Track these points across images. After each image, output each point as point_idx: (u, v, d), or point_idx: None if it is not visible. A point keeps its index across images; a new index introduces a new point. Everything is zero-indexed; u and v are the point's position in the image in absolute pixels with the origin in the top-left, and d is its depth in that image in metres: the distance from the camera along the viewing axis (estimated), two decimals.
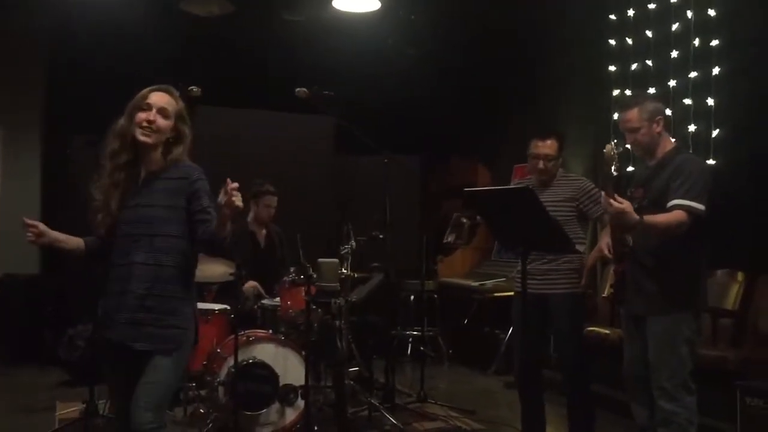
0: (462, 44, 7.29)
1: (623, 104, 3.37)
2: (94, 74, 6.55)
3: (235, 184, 2.42)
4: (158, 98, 2.71)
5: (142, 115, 2.67)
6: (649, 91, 5.41)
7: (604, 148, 3.04)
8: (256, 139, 6.52)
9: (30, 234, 2.57)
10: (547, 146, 3.84)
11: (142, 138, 2.67)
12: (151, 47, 6.46)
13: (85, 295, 5.16)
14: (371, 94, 7.07)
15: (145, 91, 2.74)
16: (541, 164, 3.85)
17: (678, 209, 3.06)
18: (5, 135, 7.00)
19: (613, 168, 3.01)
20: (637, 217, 3.00)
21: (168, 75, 4.74)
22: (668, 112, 5.21)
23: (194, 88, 4.62)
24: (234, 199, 2.41)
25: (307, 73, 5.43)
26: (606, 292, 3.35)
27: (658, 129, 3.28)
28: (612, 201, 2.97)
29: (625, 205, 2.98)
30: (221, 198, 2.44)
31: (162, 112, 2.69)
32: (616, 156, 3.03)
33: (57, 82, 6.90)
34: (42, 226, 2.59)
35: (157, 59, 6.34)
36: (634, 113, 3.26)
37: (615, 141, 3.18)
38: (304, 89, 4.63)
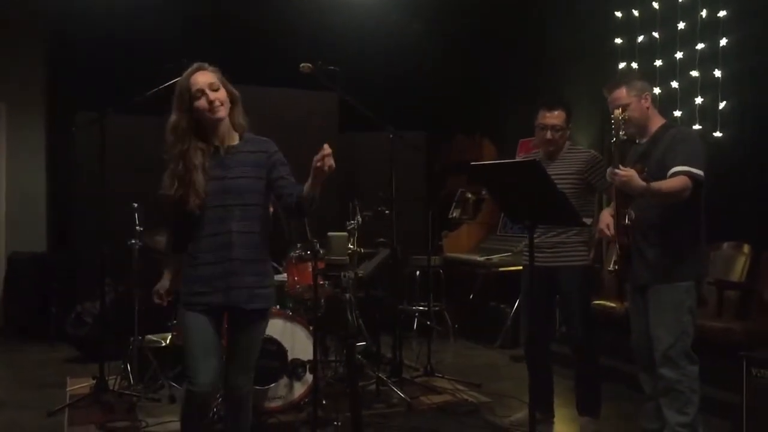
0: (467, 19, 7.24)
1: (611, 84, 3.40)
2: (97, 51, 6.54)
3: (329, 150, 2.56)
4: (202, 78, 2.80)
5: (202, 103, 2.78)
6: (655, 64, 5.39)
7: (612, 113, 3.15)
8: (260, 114, 6.43)
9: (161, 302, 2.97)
10: (554, 116, 3.83)
11: (216, 116, 2.79)
12: (155, 23, 6.43)
13: (92, 272, 5.20)
14: (375, 69, 7.04)
15: (183, 80, 2.82)
16: (548, 134, 3.83)
17: (679, 175, 3.10)
18: (9, 113, 7.00)
19: (621, 132, 3.13)
20: (643, 183, 3.05)
21: (172, 51, 4.75)
22: (675, 84, 5.21)
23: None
24: (327, 162, 2.56)
25: (312, 48, 5.41)
26: (612, 266, 3.36)
27: (647, 104, 3.33)
28: (617, 170, 3.04)
29: (630, 172, 3.04)
30: (316, 161, 2.58)
31: (212, 87, 2.80)
32: (623, 120, 3.15)
33: (60, 58, 6.88)
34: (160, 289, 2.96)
35: (161, 35, 6.32)
36: (622, 91, 3.32)
37: (622, 108, 3.24)
38: (309, 64, 4.60)
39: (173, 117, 2.83)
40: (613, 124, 3.20)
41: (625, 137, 3.21)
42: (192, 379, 2.85)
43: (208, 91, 2.78)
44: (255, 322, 2.89)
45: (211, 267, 2.79)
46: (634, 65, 5.59)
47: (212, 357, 2.84)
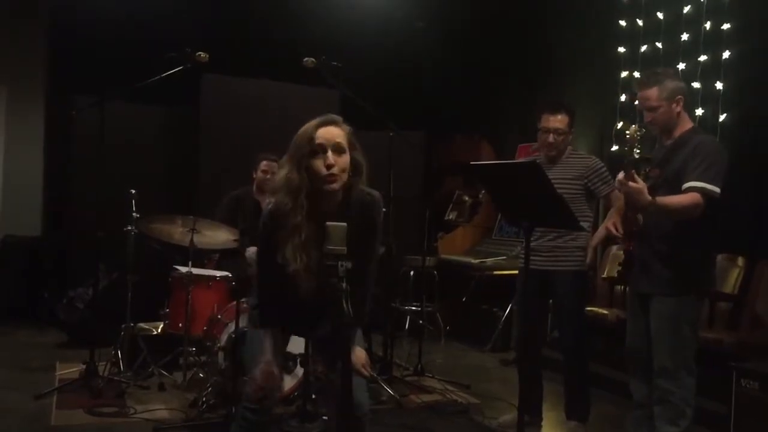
0: (469, 21, 7.25)
1: (643, 82, 3.29)
2: (98, 35, 6.52)
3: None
4: (328, 134, 2.41)
5: (319, 163, 2.38)
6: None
7: (628, 129, 3.02)
8: (261, 108, 6.48)
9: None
10: (557, 120, 3.83)
11: (330, 188, 2.39)
12: (159, 11, 6.42)
13: (86, 257, 5.19)
14: (377, 68, 7.04)
15: (309, 129, 2.42)
16: (551, 138, 3.83)
17: (693, 191, 3.04)
18: (9, 96, 6.98)
19: (635, 150, 3.00)
20: (649, 198, 2.98)
21: (174, 40, 4.75)
22: None
23: (202, 54, 4.62)
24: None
25: (315, 45, 5.42)
26: (606, 273, 3.36)
27: (678, 109, 3.22)
28: (629, 183, 2.97)
29: (640, 185, 2.97)
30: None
31: (337, 149, 2.40)
32: (639, 137, 3.01)
33: (61, 42, 6.86)
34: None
35: (163, 24, 6.32)
36: (653, 92, 3.20)
37: (638, 122, 3.13)
38: (312, 59, 4.62)
39: (285, 169, 2.42)
40: (627, 140, 3.04)
41: (639, 156, 3.06)
42: None
43: (330, 153, 2.37)
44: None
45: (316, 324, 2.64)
46: (636, 74, 5.60)
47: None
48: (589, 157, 4.02)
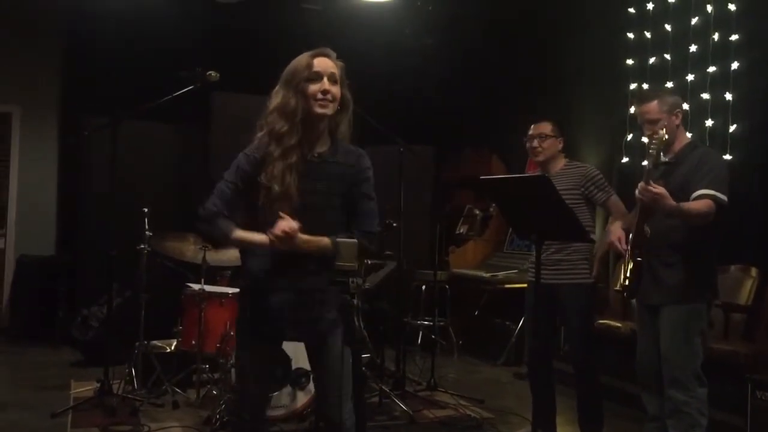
0: (479, 35, 7.28)
1: (643, 96, 3.40)
2: (111, 57, 6.60)
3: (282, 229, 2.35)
4: (324, 64, 2.52)
5: (314, 87, 2.48)
6: (666, 85, 5.40)
7: (656, 134, 3.11)
8: None
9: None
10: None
11: (320, 111, 2.48)
12: (169, 32, 6.49)
13: (99, 276, 5.23)
14: (387, 84, 7.07)
15: (305, 58, 2.53)
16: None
17: (705, 198, 3.09)
18: (23, 116, 7.07)
19: (662, 156, 3.10)
20: (673, 202, 3.03)
21: (185, 60, 4.81)
22: (685, 106, 5.21)
23: (212, 73, 4.67)
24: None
25: None
26: (619, 285, 3.35)
27: (677, 122, 3.31)
28: (650, 187, 3.02)
29: (662, 190, 3.02)
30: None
31: (332, 78, 2.51)
32: (664, 144, 3.09)
33: (74, 63, 6.95)
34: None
35: (174, 44, 6.38)
36: (653, 105, 3.30)
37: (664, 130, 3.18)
38: None
39: (279, 96, 2.50)
40: (654, 145, 3.08)
41: (666, 159, 3.16)
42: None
43: (325, 80, 2.48)
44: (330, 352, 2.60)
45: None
46: (645, 86, 5.61)
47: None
48: (583, 165, 4.03)
